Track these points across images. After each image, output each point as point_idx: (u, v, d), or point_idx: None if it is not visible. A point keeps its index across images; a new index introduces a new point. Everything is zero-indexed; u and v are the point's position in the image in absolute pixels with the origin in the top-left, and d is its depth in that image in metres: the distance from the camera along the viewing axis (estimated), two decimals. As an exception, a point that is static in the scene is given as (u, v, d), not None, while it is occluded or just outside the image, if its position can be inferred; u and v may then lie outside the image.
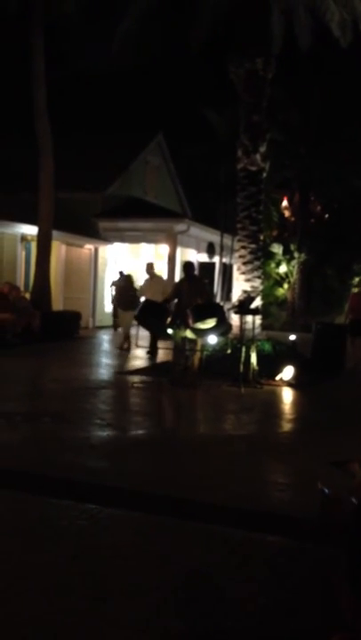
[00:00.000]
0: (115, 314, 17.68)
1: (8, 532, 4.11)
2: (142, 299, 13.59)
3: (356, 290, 16.08)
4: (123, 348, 14.40)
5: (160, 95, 28.62)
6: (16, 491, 4.90)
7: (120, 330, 15.46)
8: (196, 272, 14.29)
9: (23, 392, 9.37)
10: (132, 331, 14.38)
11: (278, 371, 10.75)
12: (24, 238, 18.14)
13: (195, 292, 10.50)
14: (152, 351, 13.06)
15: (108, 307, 19.16)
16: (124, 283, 15.00)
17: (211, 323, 9.99)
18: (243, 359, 10.17)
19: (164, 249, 22.64)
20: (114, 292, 16.87)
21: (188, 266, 11.39)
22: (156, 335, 11.96)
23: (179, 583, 3.50)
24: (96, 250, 21.60)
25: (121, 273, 16.73)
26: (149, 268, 14.50)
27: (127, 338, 14.36)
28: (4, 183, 19.93)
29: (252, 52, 12.23)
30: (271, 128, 13.74)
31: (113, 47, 13.85)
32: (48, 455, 5.90)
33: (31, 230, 17.40)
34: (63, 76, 21.44)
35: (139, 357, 13.39)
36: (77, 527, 4.21)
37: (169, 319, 10.22)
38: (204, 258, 24.82)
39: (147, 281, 14.31)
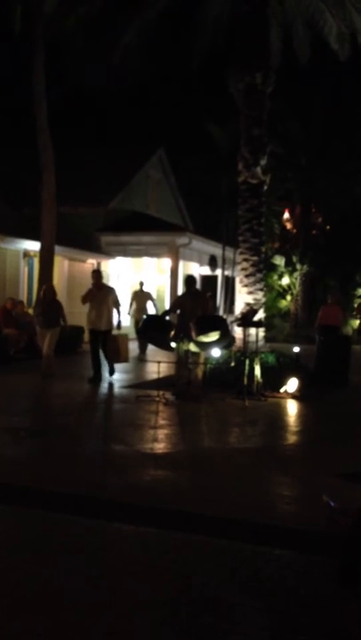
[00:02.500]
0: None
1: (14, 547, 4.10)
2: (86, 308, 12.06)
3: (329, 301, 16.78)
4: (48, 375, 11.93)
5: (161, 109, 28.80)
6: (22, 506, 4.89)
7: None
8: (198, 286, 14.14)
9: (27, 407, 9.37)
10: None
11: (282, 383, 10.73)
12: (27, 254, 18.20)
13: (197, 306, 10.52)
14: (95, 376, 11.59)
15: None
16: (47, 294, 12.39)
17: (214, 336, 10.00)
18: (247, 372, 10.16)
19: (166, 262, 22.70)
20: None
21: (189, 280, 11.43)
22: (161, 348, 11.07)
23: (186, 598, 3.48)
24: (98, 264, 21.64)
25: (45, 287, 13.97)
26: (96, 275, 12.13)
27: (50, 360, 12.05)
28: (7, 199, 20.04)
29: (251, 67, 12.31)
30: (272, 140, 13.81)
31: (113, 61, 13.99)
32: (53, 470, 5.89)
33: (34, 246, 17.46)
34: (65, 92, 21.59)
35: (142, 371, 13.38)
36: (84, 542, 4.20)
37: (172, 332, 10.23)
38: (206, 271, 24.88)
39: (91, 291, 11.94)
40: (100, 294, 11.81)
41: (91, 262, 21.39)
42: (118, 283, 22.07)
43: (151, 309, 17.04)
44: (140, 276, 22.38)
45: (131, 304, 17.36)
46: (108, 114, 27.03)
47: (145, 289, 17.85)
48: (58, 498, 5.12)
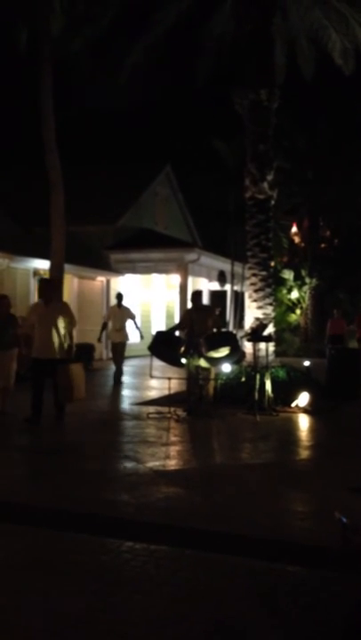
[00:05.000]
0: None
1: (28, 567, 4.09)
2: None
3: (335, 316, 17.35)
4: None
5: (167, 127, 29.06)
6: (35, 526, 4.89)
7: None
8: (208, 302, 14.05)
9: (40, 425, 9.36)
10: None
11: (293, 397, 10.70)
12: (37, 272, 18.30)
13: (205, 321, 10.53)
14: (34, 418, 9.02)
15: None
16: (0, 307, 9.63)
17: (224, 351, 10.00)
18: (257, 387, 10.14)
19: (175, 279, 22.76)
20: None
21: (195, 295, 11.49)
22: (172, 364, 10.67)
23: (200, 616, 3.46)
24: (108, 282, 21.75)
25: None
26: (45, 286, 9.77)
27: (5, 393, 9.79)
28: (17, 218, 20.20)
29: (256, 84, 12.37)
30: (278, 155, 13.86)
31: (120, 81, 14.15)
32: (65, 488, 5.89)
33: (43, 264, 17.56)
34: (73, 111, 21.82)
35: (153, 388, 13.37)
36: (98, 562, 4.19)
37: (182, 349, 10.23)
38: (215, 286, 24.93)
39: (37, 307, 9.61)
40: (48, 311, 9.13)
41: (100, 280, 21.50)
42: (128, 299, 22.15)
43: (133, 329, 14.54)
44: (150, 292, 22.38)
45: (105, 323, 14.86)
46: (116, 132, 27.27)
47: (124, 304, 14.60)
48: (70, 516, 5.11)
